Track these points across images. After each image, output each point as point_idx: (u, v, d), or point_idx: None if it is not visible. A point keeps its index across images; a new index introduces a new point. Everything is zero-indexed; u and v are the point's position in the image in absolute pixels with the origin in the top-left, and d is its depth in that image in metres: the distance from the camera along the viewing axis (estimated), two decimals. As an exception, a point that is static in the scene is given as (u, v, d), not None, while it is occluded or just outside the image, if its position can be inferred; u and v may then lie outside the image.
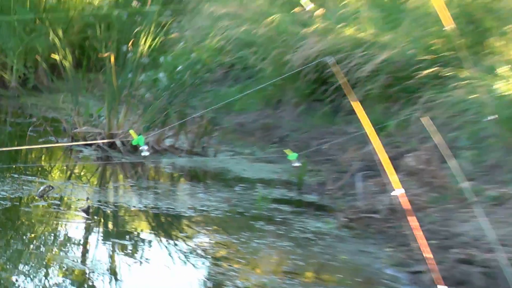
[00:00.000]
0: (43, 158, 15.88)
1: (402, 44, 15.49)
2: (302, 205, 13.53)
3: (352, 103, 8.25)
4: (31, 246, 12.15)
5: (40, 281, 10.28)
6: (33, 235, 12.47)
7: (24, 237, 12.39)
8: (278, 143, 16.65)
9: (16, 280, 10.35)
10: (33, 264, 11.39)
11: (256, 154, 16.30)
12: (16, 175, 14.10)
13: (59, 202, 13.76)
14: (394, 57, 15.11)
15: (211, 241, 12.34)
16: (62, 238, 12.55)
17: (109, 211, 13.73)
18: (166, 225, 13.44)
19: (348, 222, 12.23)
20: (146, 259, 11.71)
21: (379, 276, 10.50)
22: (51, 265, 11.25)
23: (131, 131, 12.93)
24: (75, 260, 11.47)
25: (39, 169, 14.96)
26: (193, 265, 11.64)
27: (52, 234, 12.73)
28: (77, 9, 19.93)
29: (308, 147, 14.96)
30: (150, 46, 19.74)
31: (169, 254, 12.24)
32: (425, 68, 14.28)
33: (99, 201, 14.06)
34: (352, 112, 9.90)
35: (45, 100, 19.02)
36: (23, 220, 13.10)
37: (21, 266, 11.10)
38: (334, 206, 13.11)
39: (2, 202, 13.00)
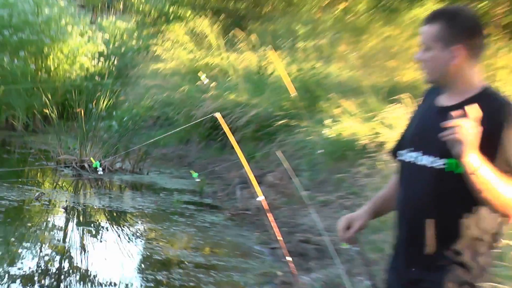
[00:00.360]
0: (38, 175, 15.72)
1: (264, 105, 15.50)
2: (202, 205, 13.59)
3: (232, 142, 8.60)
4: (30, 230, 12.32)
5: (36, 252, 10.69)
6: (31, 223, 12.75)
7: (26, 225, 12.54)
8: (187, 166, 16.44)
9: (20, 252, 10.76)
10: (31, 242, 11.67)
11: (173, 173, 16.25)
12: (20, 186, 13.98)
13: (48, 203, 13.74)
14: (260, 113, 15.18)
15: (145, 228, 12.63)
16: (50, 225, 12.69)
17: (80, 208, 13.79)
18: (116, 217, 13.45)
19: (231, 216, 12.42)
20: (104, 239, 12.15)
21: (251, 250, 10.74)
22: (43, 242, 11.66)
23: (91, 159, 13.88)
24: (59, 239, 12.00)
25: (36, 182, 14.83)
26: (133, 242, 12.13)
27: (44, 223, 12.90)
28: (60, 81, 19.77)
29: (206, 169, 15.07)
30: (106, 105, 19.55)
31: (118, 236, 12.52)
32: (279, 120, 14.40)
33: (74, 202, 14.12)
34: (233, 147, 10.00)
35: (40, 138, 18.72)
36: (25, 214, 13.19)
37: (23, 243, 11.32)
38: (222, 206, 13.22)
39: (11, 203, 13.08)
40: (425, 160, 3.39)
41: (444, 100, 3.49)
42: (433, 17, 3.47)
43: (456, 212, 3.32)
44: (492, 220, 3.35)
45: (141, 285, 9.63)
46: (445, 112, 3.16)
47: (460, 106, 3.15)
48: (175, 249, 11.32)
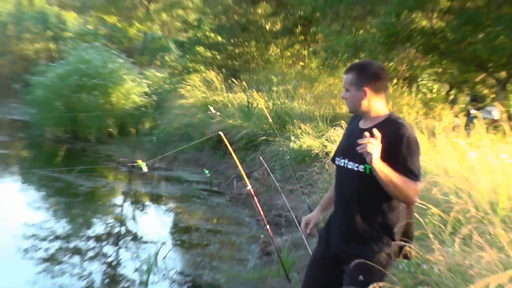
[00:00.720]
0: (105, 171, 15.49)
1: (251, 127, 15.24)
2: (211, 191, 13.29)
3: (230, 150, 8.21)
4: (99, 206, 12.26)
5: (103, 220, 10.56)
6: (100, 202, 12.69)
7: (96, 203, 12.45)
8: (201, 166, 15.89)
9: (93, 220, 10.81)
10: (100, 214, 11.56)
11: (192, 170, 15.91)
12: (93, 177, 13.90)
13: (112, 189, 13.74)
14: (248, 132, 14.95)
15: (174, 205, 12.44)
16: (112, 203, 12.77)
17: (131, 193, 13.70)
18: (155, 198, 13.12)
19: (230, 199, 12.21)
20: (147, 212, 12.24)
21: (243, 221, 10.63)
22: (108, 213, 11.59)
23: (139, 161, 12.93)
24: (118, 212, 11.94)
25: (103, 175, 14.79)
26: (166, 215, 11.97)
27: (108, 202, 12.81)
28: (119, 110, 19.81)
29: (213, 168, 14.95)
30: (149, 126, 19.22)
31: (156, 210, 12.51)
32: (261, 136, 14.12)
33: (128, 188, 14.15)
34: (231, 154, 9.97)
35: (106, 147, 18.52)
36: (97, 196, 12.98)
37: (95, 215, 11.37)
38: (224, 192, 13.00)
39: (87, 188, 13.01)
40: (351, 165, 3.49)
41: (362, 124, 3.56)
42: (349, 69, 3.58)
43: (375, 201, 3.44)
44: (401, 207, 3.49)
45: (172, 243, 9.45)
46: (362, 132, 3.25)
47: (372, 128, 3.26)
48: (194, 219, 11.24)
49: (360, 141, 3.13)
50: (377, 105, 3.51)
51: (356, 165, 3.45)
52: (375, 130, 3.15)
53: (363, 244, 3.48)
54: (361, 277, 3.38)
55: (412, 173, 3.31)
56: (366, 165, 3.36)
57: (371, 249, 3.44)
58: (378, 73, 3.54)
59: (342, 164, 3.60)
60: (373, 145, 3.11)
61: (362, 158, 3.25)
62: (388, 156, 3.22)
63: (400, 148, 3.30)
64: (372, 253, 3.43)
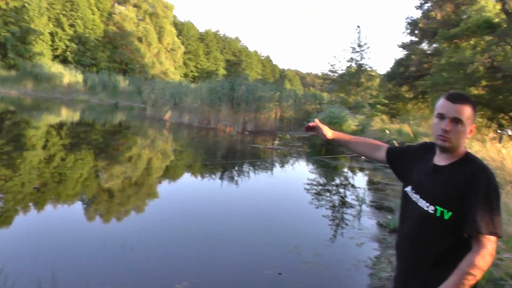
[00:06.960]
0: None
1: (402, 138, 12.88)
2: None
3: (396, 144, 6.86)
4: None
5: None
6: (283, 159, 9.52)
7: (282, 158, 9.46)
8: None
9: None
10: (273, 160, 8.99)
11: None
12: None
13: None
14: (403, 140, 12.33)
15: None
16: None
17: (283, 150, 11.08)
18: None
19: None
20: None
21: None
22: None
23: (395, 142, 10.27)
24: (280, 159, 9.48)
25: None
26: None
27: (274, 158, 9.47)
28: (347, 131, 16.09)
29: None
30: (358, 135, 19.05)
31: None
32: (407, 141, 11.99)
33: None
34: None
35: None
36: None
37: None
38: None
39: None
40: (421, 203, 1.33)
41: (438, 161, 1.35)
42: (465, 99, 1.29)
43: (439, 247, 1.29)
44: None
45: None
46: (438, 171, 1.34)
47: (449, 166, 1.31)
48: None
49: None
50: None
51: (427, 204, 1.30)
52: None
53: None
54: None
55: (492, 231, 1.18)
56: (437, 207, 1.27)
57: None
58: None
59: (413, 199, 1.36)
60: None
61: (434, 198, 1.29)
62: (459, 203, 1.22)
63: (479, 197, 1.20)
64: None
